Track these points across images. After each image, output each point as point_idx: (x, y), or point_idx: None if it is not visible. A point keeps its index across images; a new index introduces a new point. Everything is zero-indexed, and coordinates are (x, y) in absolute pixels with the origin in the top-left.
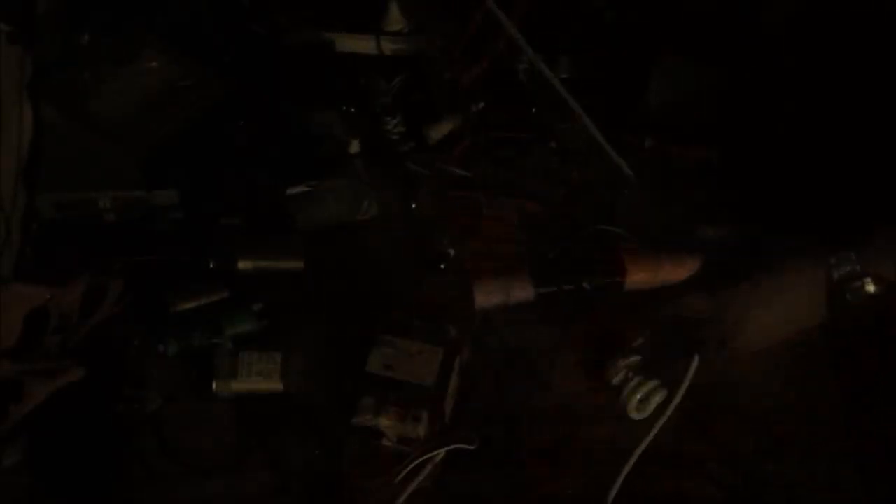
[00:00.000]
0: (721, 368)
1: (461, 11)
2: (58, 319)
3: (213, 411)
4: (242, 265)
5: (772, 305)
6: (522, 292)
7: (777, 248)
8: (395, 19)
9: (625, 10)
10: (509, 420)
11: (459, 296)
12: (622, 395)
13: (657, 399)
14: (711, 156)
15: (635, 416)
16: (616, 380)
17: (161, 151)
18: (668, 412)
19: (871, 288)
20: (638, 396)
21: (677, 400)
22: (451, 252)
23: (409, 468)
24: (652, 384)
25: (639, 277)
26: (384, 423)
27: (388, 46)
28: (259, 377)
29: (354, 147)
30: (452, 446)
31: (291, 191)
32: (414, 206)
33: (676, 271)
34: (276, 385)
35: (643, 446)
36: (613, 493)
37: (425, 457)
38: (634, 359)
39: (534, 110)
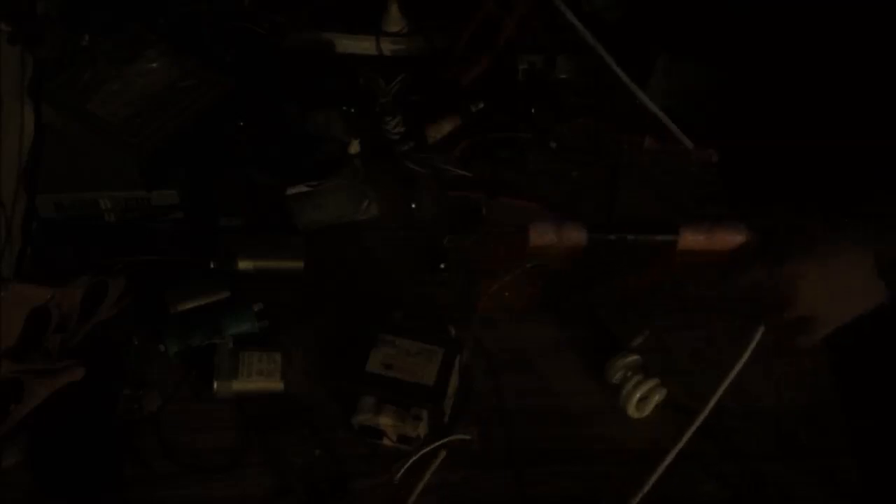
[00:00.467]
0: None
1: (461, 11)
2: (58, 319)
3: (213, 411)
4: (242, 265)
5: (827, 275)
6: (575, 233)
7: (820, 231)
8: (395, 19)
9: (625, 10)
10: (509, 420)
11: (459, 296)
12: (621, 394)
13: (657, 398)
14: (711, 155)
15: (635, 415)
16: (615, 379)
17: (161, 151)
18: (728, 380)
19: None
20: (637, 395)
21: (739, 366)
22: (451, 252)
23: (406, 466)
24: (651, 383)
25: (693, 238)
26: (384, 422)
27: (388, 46)
28: (259, 377)
29: (354, 147)
30: (451, 437)
31: (291, 191)
32: (414, 206)
33: (730, 238)
34: (276, 385)
35: (679, 446)
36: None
37: (422, 451)
38: (633, 358)
39: (533, 110)
